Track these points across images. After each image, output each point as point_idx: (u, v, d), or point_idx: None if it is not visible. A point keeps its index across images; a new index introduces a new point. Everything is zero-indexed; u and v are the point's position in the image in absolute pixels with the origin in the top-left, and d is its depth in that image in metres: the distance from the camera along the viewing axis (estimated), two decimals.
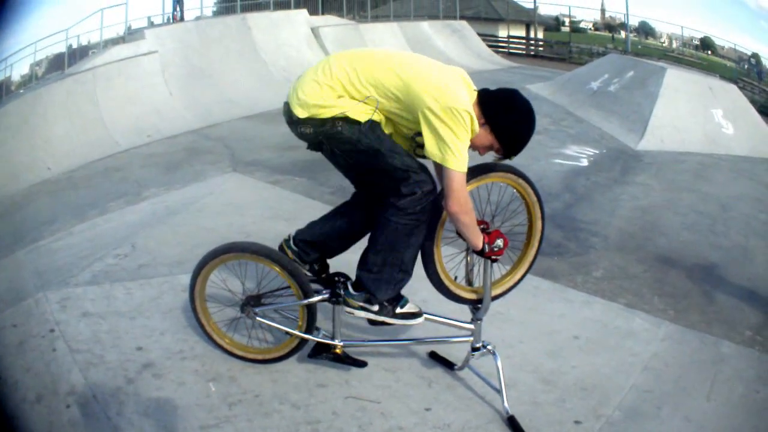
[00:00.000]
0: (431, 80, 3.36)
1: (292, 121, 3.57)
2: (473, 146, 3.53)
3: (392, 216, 3.53)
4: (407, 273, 3.75)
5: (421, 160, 3.60)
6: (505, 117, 3.50)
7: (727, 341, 5.00)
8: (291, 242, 4.03)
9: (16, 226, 7.93)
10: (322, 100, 3.42)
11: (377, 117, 3.48)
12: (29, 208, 8.76)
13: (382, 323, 3.84)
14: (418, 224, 3.57)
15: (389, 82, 3.38)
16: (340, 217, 4.00)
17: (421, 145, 3.49)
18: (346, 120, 3.43)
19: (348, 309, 3.84)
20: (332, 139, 3.47)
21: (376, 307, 3.79)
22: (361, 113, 3.44)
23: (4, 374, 4.09)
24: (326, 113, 3.43)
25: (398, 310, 3.82)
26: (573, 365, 4.49)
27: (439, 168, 3.47)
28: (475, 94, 3.53)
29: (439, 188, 3.54)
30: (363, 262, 3.74)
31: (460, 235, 3.76)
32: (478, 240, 3.61)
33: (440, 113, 3.26)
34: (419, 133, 3.44)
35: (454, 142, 3.29)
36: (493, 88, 3.64)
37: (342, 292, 3.85)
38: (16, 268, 6.26)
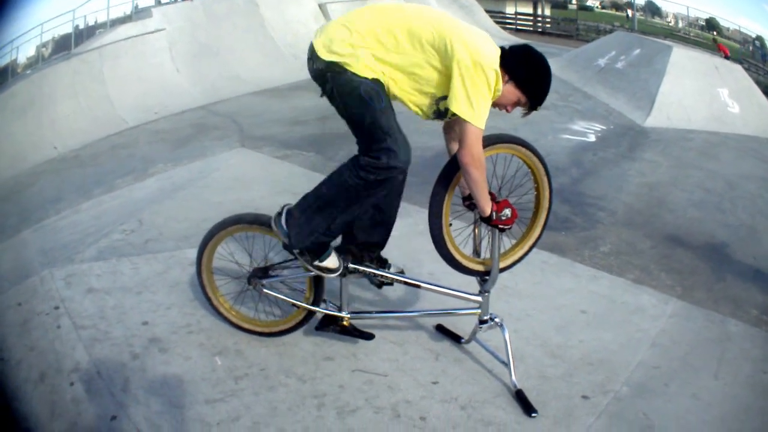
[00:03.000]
0: (464, 34, 3.40)
1: (312, 57, 3.55)
2: (500, 105, 3.62)
3: (346, 169, 3.55)
4: (331, 236, 3.77)
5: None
6: (527, 70, 3.57)
7: (734, 320, 4.98)
8: None
9: (22, 206, 7.96)
10: (346, 47, 3.43)
11: (384, 79, 3.48)
12: (35, 188, 8.79)
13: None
14: (366, 193, 3.58)
15: (424, 33, 3.40)
16: None
17: (440, 112, 3.58)
18: (357, 70, 3.43)
19: (275, 228, 3.81)
20: (336, 78, 3.45)
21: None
22: (373, 70, 3.45)
23: (8, 354, 4.09)
24: (345, 59, 3.42)
25: (316, 263, 3.79)
26: (580, 340, 4.48)
27: (456, 124, 3.61)
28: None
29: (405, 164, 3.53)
30: (299, 202, 3.77)
31: (468, 206, 3.84)
32: (487, 203, 3.61)
33: (471, 66, 3.30)
34: (442, 98, 3.49)
35: (476, 96, 3.33)
36: None
37: (273, 215, 3.84)
38: (21, 247, 6.28)
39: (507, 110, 3.66)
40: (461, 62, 3.31)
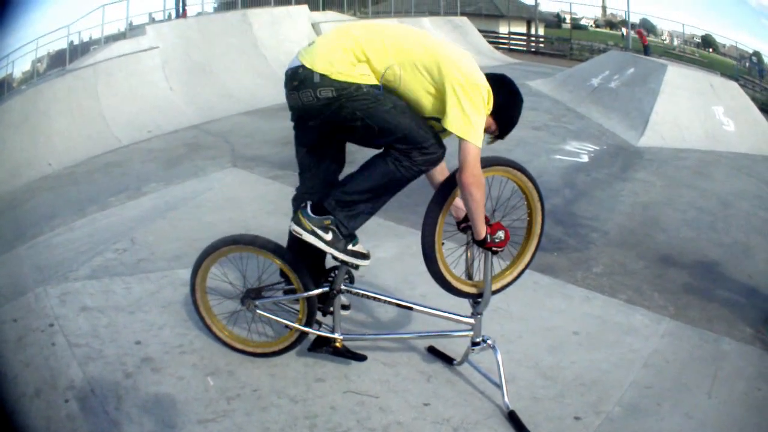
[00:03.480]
0: (456, 57, 3.46)
1: (309, 85, 3.48)
2: None
3: (397, 164, 3.54)
4: (372, 214, 3.81)
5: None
6: (501, 97, 3.60)
7: (728, 338, 4.97)
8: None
9: (16, 222, 7.94)
10: (349, 66, 3.43)
11: (395, 85, 3.51)
12: (30, 204, 8.75)
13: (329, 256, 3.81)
14: (411, 178, 3.61)
15: (416, 54, 3.45)
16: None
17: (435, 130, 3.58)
18: (369, 85, 3.46)
19: (296, 229, 3.76)
20: (355, 100, 3.44)
21: (329, 236, 3.71)
22: (377, 78, 3.48)
23: (4, 369, 4.09)
24: (352, 78, 3.42)
25: (350, 247, 3.76)
26: (572, 361, 4.48)
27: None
28: None
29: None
30: (343, 187, 3.72)
31: (462, 229, 3.83)
32: (483, 225, 3.63)
33: (467, 86, 3.36)
34: (432, 118, 3.54)
35: (474, 116, 3.37)
36: None
37: (299, 210, 3.81)
38: (16, 263, 6.26)
39: None
40: (455, 82, 3.36)
